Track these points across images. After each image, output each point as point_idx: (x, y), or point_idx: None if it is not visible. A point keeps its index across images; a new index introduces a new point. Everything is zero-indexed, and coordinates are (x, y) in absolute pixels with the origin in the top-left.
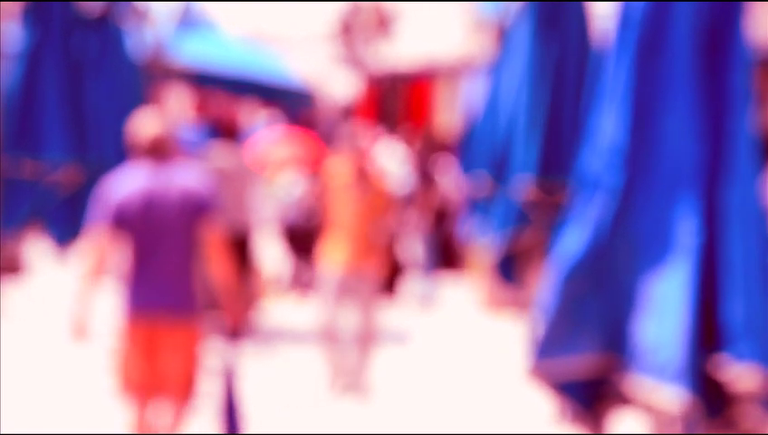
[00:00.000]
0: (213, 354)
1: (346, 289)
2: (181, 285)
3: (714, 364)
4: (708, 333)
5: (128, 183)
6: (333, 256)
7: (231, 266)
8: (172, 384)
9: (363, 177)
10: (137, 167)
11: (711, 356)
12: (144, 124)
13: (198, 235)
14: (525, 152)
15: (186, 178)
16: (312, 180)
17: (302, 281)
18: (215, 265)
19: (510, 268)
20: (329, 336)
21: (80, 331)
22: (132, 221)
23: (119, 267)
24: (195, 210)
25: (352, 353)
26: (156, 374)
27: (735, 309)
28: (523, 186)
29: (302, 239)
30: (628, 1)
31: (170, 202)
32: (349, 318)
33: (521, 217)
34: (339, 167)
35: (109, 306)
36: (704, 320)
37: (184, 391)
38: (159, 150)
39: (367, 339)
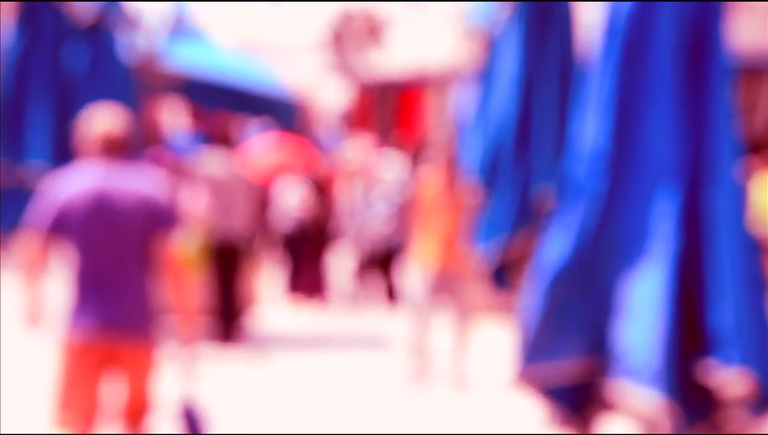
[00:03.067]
0: (173, 361)
1: (438, 292)
2: (135, 301)
3: (701, 369)
4: (692, 338)
5: (75, 182)
6: (425, 260)
7: (185, 286)
8: (122, 410)
9: (452, 184)
10: (87, 166)
11: (696, 360)
12: (99, 119)
13: (154, 246)
14: (515, 160)
15: (143, 182)
16: (307, 186)
17: (297, 287)
18: (169, 283)
19: (502, 274)
20: (416, 343)
21: (33, 317)
22: (78, 225)
23: (63, 279)
24: (152, 220)
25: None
26: (103, 400)
27: (723, 314)
28: (516, 193)
29: (298, 246)
30: (613, 9)
31: (124, 207)
32: (441, 320)
33: (515, 224)
34: (430, 176)
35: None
36: (687, 324)
37: (134, 416)
38: (115, 149)
39: (463, 337)
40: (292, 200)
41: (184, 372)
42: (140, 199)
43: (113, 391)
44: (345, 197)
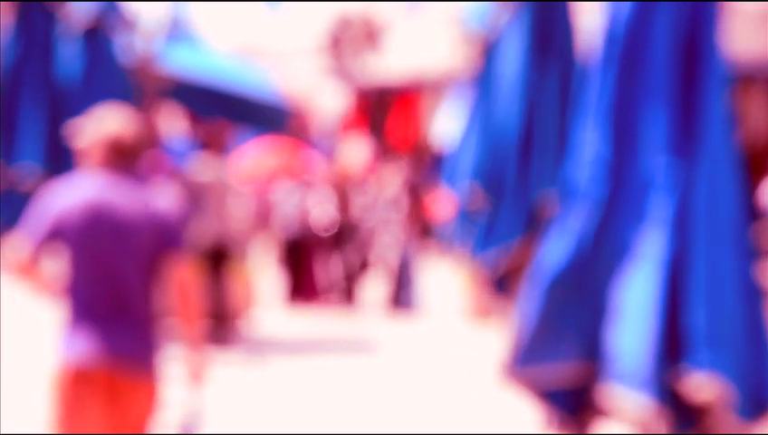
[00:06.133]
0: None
1: None
2: (138, 326)
3: (675, 374)
4: (675, 343)
5: (73, 192)
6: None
7: (199, 310)
8: None
9: None
10: (88, 174)
11: (674, 366)
12: (107, 121)
13: (161, 265)
14: (517, 166)
15: (151, 196)
16: (306, 190)
17: (298, 291)
18: (180, 307)
19: (502, 280)
20: None
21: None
22: (74, 239)
23: (57, 300)
24: (161, 237)
25: None
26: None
27: (697, 318)
28: (518, 199)
29: (301, 250)
30: (612, 16)
31: (128, 222)
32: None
33: (516, 231)
34: None
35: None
36: (673, 329)
37: None
38: (123, 156)
39: None
40: (294, 204)
41: (190, 379)
42: (148, 215)
43: (110, 425)
44: (348, 202)
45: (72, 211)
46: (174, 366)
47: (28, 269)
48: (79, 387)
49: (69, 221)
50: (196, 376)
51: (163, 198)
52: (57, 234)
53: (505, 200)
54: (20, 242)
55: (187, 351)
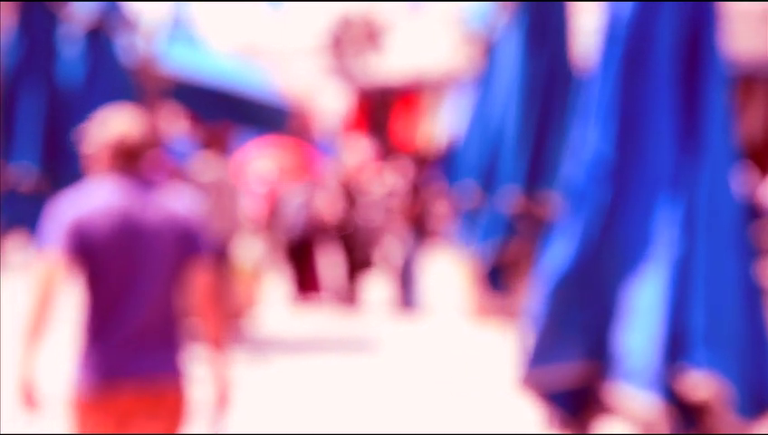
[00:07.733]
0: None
1: None
2: (163, 342)
3: (674, 373)
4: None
5: (93, 200)
6: None
7: (222, 321)
8: None
9: None
10: (103, 180)
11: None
12: (115, 124)
13: (185, 274)
14: (513, 164)
15: (172, 200)
16: (312, 190)
17: (301, 291)
18: (204, 318)
19: (498, 277)
20: None
21: (29, 398)
22: (97, 251)
23: (77, 314)
24: (184, 244)
25: None
26: None
27: (696, 316)
28: (512, 197)
29: (303, 249)
30: (613, 16)
31: (152, 230)
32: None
33: (509, 227)
34: None
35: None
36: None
37: None
38: (133, 159)
39: None
40: (299, 203)
41: (215, 382)
42: (169, 220)
43: None
44: (353, 201)
45: (92, 222)
46: (197, 367)
47: (47, 288)
48: (99, 417)
49: (91, 234)
50: (222, 378)
51: (180, 202)
52: (79, 249)
53: (500, 197)
54: (44, 257)
55: (212, 353)
